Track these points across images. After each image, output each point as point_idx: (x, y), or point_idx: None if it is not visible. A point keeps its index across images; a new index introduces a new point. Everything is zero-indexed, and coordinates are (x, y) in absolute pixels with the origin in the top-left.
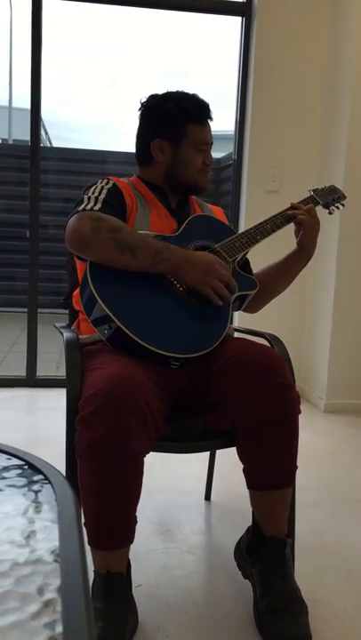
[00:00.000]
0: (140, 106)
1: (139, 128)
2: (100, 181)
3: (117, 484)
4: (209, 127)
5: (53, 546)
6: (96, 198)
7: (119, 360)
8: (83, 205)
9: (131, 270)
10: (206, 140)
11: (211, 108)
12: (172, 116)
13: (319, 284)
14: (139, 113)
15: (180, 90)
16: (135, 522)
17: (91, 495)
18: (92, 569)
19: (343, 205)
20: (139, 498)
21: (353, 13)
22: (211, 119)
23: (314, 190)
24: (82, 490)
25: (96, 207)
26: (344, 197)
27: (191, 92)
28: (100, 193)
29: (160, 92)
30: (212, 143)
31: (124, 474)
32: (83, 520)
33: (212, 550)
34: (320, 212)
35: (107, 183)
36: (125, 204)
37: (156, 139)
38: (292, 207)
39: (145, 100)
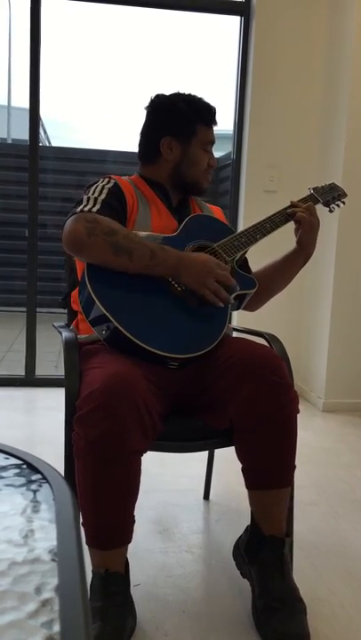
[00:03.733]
0: (148, 104)
1: (146, 126)
2: (101, 180)
3: (115, 483)
4: (213, 130)
5: (51, 545)
6: (95, 199)
7: (117, 360)
8: (81, 206)
9: (127, 272)
10: (212, 141)
11: (217, 113)
12: (184, 115)
13: (318, 282)
14: (146, 110)
15: (187, 92)
16: (133, 521)
17: (88, 494)
18: (90, 568)
19: (344, 203)
20: (136, 497)
21: (351, 12)
22: (216, 123)
23: (314, 188)
24: (79, 489)
25: (94, 209)
26: (345, 195)
27: (198, 95)
28: (100, 193)
29: (167, 93)
30: (213, 144)
31: (122, 473)
32: (81, 520)
33: (211, 549)
34: (320, 210)
35: (108, 182)
36: (126, 204)
37: (166, 136)
38: (292, 205)
39: (154, 98)
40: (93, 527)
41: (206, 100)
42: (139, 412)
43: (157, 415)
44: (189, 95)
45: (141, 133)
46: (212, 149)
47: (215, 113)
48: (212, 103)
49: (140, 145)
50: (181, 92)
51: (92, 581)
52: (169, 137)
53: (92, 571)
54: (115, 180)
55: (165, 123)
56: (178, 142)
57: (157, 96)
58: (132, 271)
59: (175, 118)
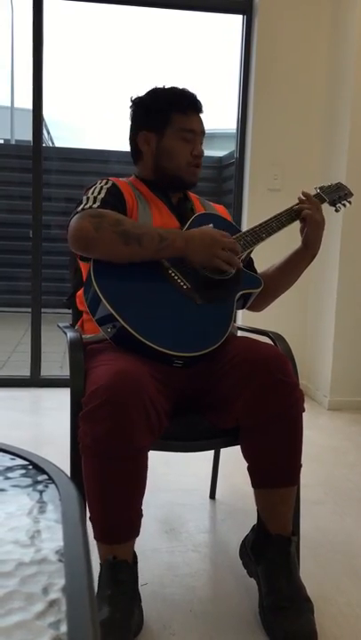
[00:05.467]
0: (130, 104)
1: (130, 125)
2: (99, 182)
3: (121, 479)
4: (196, 118)
5: (58, 545)
6: (95, 198)
7: (122, 357)
8: (82, 206)
9: (138, 260)
10: (192, 129)
11: (199, 100)
12: (155, 106)
13: (322, 281)
14: (129, 111)
15: (170, 86)
16: (141, 515)
17: (95, 490)
18: (98, 562)
19: (350, 203)
20: (143, 492)
21: (354, 10)
22: (197, 110)
23: (320, 188)
24: (86, 485)
25: (95, 205)
26: (351, 195)
27: (180, 87)
28: (99, 192)
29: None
30: (203, 134)
31: (128, 469)
32: (88, 515)
33: (217, 549)
34: (325, 209)
35: (106, 183)
36: (125, 204)
37: (142, 131)
38: (300, 201)
39: (134, 97)
40: (101, 522)
41: (188, 89)
42: (145, 407)
43: (163, 411)
44: (166, 88)
45: (129, 134)
46: (201, 139)
47: (193, 99)
48: (192, 91)
49: (129, 145)
50: (160, 86)
51: (100, 573)
52: (145, 131)
53: (100, 563)
54: (113, 181)
55: (140, 117)
56: (153, 134)
57: (137, 95)
58: (143, 258)
59: (148, 110)
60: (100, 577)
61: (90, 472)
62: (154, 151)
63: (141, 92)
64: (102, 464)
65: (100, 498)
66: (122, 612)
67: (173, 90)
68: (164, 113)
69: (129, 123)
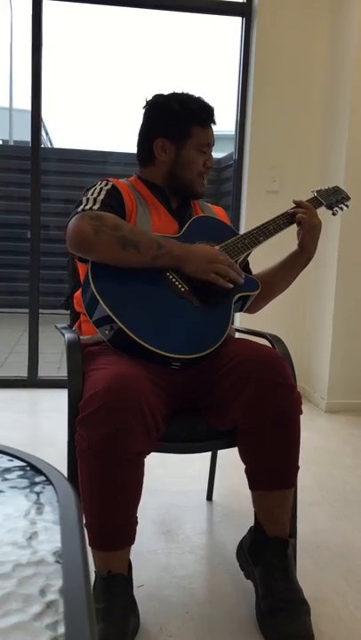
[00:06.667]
0: (144, 104)
1: (142, 127)
2: (99, 183)
3: (117, 484)
4: (212, 130)
5: (55, 547)
6: (95, 199)
7: (120, 361)
8: (82, 206)
9: (134, 266)
10: (209, 142)
11: (215, 112)
12: (177, 117)
13: (320, 283)
14: (143, 111)
15: (185, 91)
16: (136, 522)
17: (91, 496)
18: (94, 570)
19: (347, 206)
20: (139, 499)
21: (353, 13)
22: (214, 123)
23: (317, 191)
24: (82, 491)
25: (95, 207)
26: (348, 198)
27: (196, 95)
28: (98, 194)
29: (165, 92)
30: (212, 145)
31: (125, 474)
32: (83, 521)
33: (214, 550)
34: (323, 212)
35: (106, 184)
36: (125, 206)
37: (159, 138)
38: (295, 205)
39: (150, 98)
40: (96, 529)
41: (204, 99)
42: (142, 413)
43: (161, 416)
44: (186, 95)
45: (138, 134)
46: (211, 150)
47: (213, 112)
48: (210, 102)
49: (137, 146)
50: (178, 91)
51: (94, 583)
52: (162, 138)
53: (95, 572)
54: (113, 182)
55: (159, 124)
56: (171, 144)
57: (153, 96)
58: (140, 264)
59: (169, 119)
60: (94, 587)
61: (86, 477)
62: (171, 160)
63: (152, 94)
64: (98, 469)
65: (96, 503)
66: (116, 627)
67: (194, 100)
68: (186, 125)
69: (141, 124)
